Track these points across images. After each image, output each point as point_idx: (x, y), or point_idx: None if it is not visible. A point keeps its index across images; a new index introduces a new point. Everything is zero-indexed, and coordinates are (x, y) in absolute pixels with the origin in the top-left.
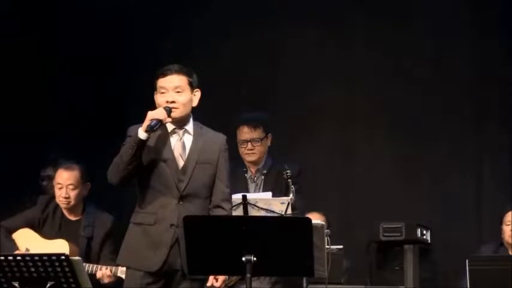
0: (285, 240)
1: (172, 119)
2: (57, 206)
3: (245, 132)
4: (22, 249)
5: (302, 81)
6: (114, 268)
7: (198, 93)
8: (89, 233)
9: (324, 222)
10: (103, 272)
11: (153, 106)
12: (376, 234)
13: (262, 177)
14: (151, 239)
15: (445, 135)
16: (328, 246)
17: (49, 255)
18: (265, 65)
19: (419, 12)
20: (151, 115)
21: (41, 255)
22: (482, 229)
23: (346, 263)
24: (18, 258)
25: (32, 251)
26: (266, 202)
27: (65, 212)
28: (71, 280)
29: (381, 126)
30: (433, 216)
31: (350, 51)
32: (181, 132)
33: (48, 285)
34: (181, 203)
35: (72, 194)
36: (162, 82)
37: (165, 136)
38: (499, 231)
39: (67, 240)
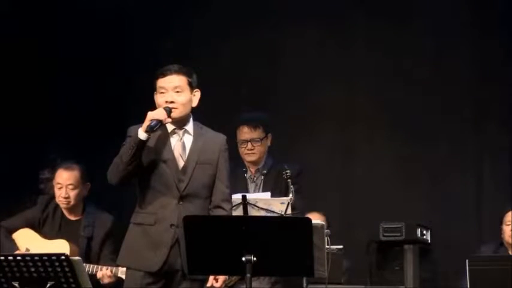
0: (285, 240)
1: (172, 119)
2: (57, 206)
3: (245, 132)
4: (22, 249)
5: (302, 81)
6: (114, 268)
7: (197, 94)
8: (89, 233)
9: (324, 222)
10: (103, 273)
11: (153, 106)
12: (376, 234)
13: (262, 177)
14: (151, 239)
15: (445, 135)
16: (328, 246)
17: (49, 255)
18: (265, 65)
19: (419, 12)
20: (151, 115)
21: (41, 255)
22: (482, 229)
23: (346, 263)
24: (18, 258)
25: (32, 251)
26: (266, 202)
27: (65, 212)
28: (71, 280)
29: (381, 127)
30: (433, 216)
31: (350, 51)
32: (181, 132)
33: (48, 285)
34: (181, 203)
35: (72, 194)
36: (161, 82)
37: (165, 136)
38: (499, 231)
39: (67, 240)
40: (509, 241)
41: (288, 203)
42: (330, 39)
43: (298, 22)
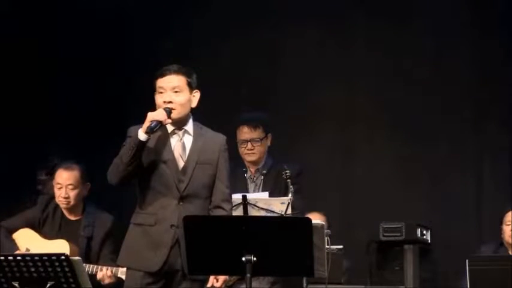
0: (285, 240)
1: (172, 120)
2: (57, 206)
3: (245, 132)
4: (22, 249)
5: (302, 81)
6: (114, 269)
7: (197, 94)
8: (88, 233)
9: (324, 222)
10: (103, 273)
11: (153, 106)
12: (376, 234)
13: (262, 177)
14: (151, 240)
15: (445, 136)
16: (328, 246)
17: (49, 255)
18: (265, 65)
19: (419, 12)
20: (151, 116)
21: (41, 255)
22: (482, 229)
23: (346, 263)
24: (18, 258)
25: (32, 251)
26: (266, 202)
27: (65, 212)
28: (71, 280)
29: (381, 127)
30: (433, 216)
31: (350, 51)
32: (181, 132)
33: (48, 285)
34: (181, 203)
35: (72, 194)
36: (160, 82)
37: (165, 137)
38: (499, 231)
39: (67, 240)
40: (509, 241)
41: (288, 203)
42: (330, 39)
43: (298, 22)
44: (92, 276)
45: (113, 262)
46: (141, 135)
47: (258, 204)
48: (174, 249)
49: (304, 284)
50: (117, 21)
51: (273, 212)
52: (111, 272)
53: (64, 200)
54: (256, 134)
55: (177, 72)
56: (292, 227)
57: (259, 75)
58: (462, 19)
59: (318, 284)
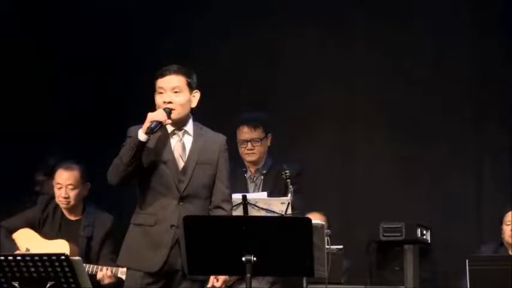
0: (285, 240)
1: (172, 120)
2: (57, 206)
3: (245, 132)
4: (22, 249)
5: (302, 81)
6: (114, 269)
7: (197, 94)
8: (88, 233)
9: (324, 222)
10: (103, 273)
11: (152, 106)
12: (376, 234)
13: (262, 177)
14: (151, 240)
15: (445, 136)
16: (328, 246)
17: (49, 255)
18: (265, 65)
19: (419, 12)
20: (151, 117)
21: (41, 255)
22: (482, 229)
23: (346, 263)
24: (18, 258)
25: (32, 251)
26: (266, 202)
27: (65, 212)
28: (71, 280)
29: (381, 127)
30: (433, 216)
31: (350, 51)
32: (181, 133)
33: (48, 285)
34: (181, 203)
35: (72, 194)
36: (160, 82)
37: (165, 137)
38: (499, 231)
39: (67, 240)
40: (509, 241)
41: (288, 203)
42: (330, 39)
43: (298, 22)
44: (92, 276)
45: (113, 262)
46: (141, 135)
47: (258, 204)
48: (174, 249)
49: (304, 284)
50: (117, 21)
51: (273, 212)
52: (111, 272)
53: (64, 200)
54: (256, 134)
55: (176, 72)
56: (292, 227)
57: (259, 75)
58: (462, 19)
59: (318, 284)
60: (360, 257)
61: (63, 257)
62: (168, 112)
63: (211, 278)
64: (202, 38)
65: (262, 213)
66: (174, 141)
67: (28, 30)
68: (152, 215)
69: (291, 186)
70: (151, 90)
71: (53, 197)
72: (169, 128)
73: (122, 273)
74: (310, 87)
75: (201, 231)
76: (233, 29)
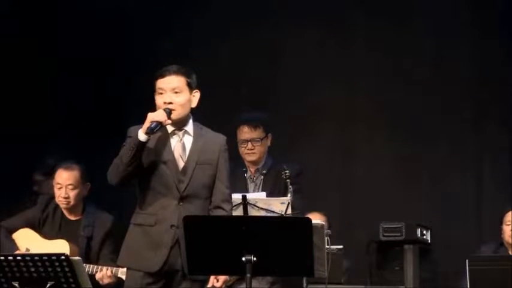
0: (285, 240)
1: (172, 120)
2: (57, 206)
3: (245, 132)
4: (22, 249)
5: (302, 81)
6: (114, 269)
7: (197, 94)
8: (88, 233)
9: (324, 222)
10: (103, 273)
11: (153, 106)
12: (376, 234)
13: (262, 177)
14: (151, 240)
15: (445, 136)
16: (328, 246)
17: (49, 255)
18: (265, 65)
19: (419, 12)
20: (151, 117)
21: (41, 255)
22: (482, 229)
23: (346, 263)
24: (18, 258)
25: (32, 251)
26: (266, 202)
27: (65, 212)
28: (71, 280)
29: (381, 126)
30: (433, 216)
31: (350, 51)
32: (181, 133)
33: (48, 285)
34: (181, 203)
35: (72, 194)
36: (160, 83)
37: (165, 137)
38: (499, 231)
39: (67, 240)
40: (509, 241)
41: (288, 203)
42: (330, 39)
43: (298, 22)
44: (92, 276)
45: (113, 262)
46: (141, 135)
47: (258, 204)
48: (174, 249)
49: (304, 284)
50: (117, 21)
51: (273, 212)
52: (111, 272)
53: (64, 200)
54: (256, 134)
55: (176, 72)
56: (292, 227)
57: (259, 75)
58: (462, 19)
59: (318, 284)
60: (360, 257)
61: (63, 257)
62: (168, 112)
63: (211, 278)
64: (202, 38)
65: (262, 213)
66: (174, 142)
67: (28, 30)
68: (152, 215)
69: (290, 186)
70: (151, 90)
71: (53, 197)
72: (170, 128)
73: (121, 273)
74: (310, 87)
75: (201, 231)
76: (233, 29)
